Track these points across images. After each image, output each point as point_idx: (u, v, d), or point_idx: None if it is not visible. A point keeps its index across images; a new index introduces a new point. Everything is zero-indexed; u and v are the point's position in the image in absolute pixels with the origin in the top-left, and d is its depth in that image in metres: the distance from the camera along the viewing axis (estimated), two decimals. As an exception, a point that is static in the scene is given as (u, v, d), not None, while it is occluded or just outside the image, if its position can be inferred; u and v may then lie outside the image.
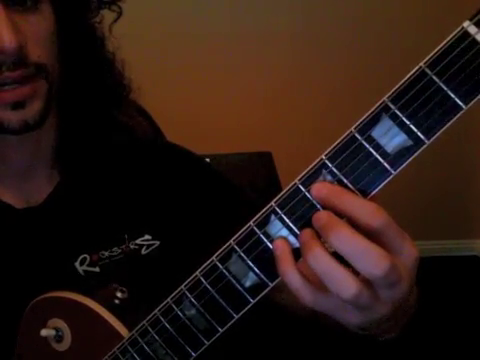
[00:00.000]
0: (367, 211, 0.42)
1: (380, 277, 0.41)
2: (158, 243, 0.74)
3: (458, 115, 0.40)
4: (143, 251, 0.73)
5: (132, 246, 0.73)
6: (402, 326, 0.54)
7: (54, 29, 0.62)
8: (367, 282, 0.43)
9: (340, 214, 0.43)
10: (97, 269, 0.71)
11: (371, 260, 0.41)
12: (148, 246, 0.74)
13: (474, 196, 2.45)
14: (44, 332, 0.63)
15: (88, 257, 0.71)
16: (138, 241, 0.73)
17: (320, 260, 0.42)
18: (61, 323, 0.63)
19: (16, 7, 0.57)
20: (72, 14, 0.65)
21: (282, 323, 0.84)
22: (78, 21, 0.66)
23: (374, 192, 0.44)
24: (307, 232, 0.44)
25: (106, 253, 0.72)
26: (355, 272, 0.42)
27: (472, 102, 0.40)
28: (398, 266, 0.42)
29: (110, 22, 0.71)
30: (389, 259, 0.41)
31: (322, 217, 0.43)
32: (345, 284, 0.42)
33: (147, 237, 0.74)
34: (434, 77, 0.40)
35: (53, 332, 0.63)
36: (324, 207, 0.44)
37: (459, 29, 0.39)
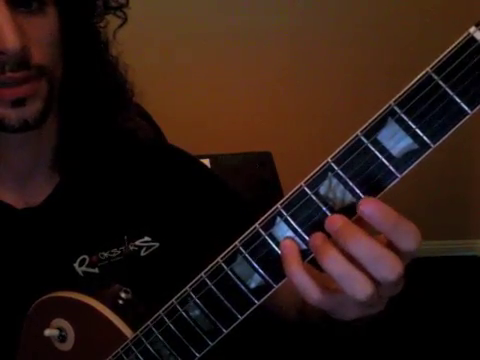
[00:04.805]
0: (379, 214, 0.42)
1: (393, 282, 0.42)
2: (157, 245, 0.74)
3: (464, 120, 0.40)
4: (142, 252, 0.74)
5: (131, 247, 0.73)
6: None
7: (58, 32, 0.62)
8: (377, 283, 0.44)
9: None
10: (96, 270, 0.71)
11: (387, 266, 0.42)
12: (147, 248, 0.74)
13: (474, 196, 2.45)
14: (47, 332, 0.63)
15: (87, 258, 0.71)
16: (137, 242, 0.73)
17: (337, 263, 0.43)
18: (65, 323, 0.63)
19: (21, 9, 0.57)
20: (77, 17, 0.65)
21: (272, 326, 0.84)
22: (83, 24, 0.66)
23: (379, 195, 0.44)
24: (319, 236, 0.44)
25: (105, 254, 0.72)
26: None
27: (478, 107, 0.40)
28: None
29: (114, 26, 0.71)
30: (402, 265, 0.42)
31: (337, 221, 0.43)
32: (362, 286, 0.42)
33: (146, 239, 0.74)
34: (440, 82, 0.40)
35: (57, 332, 0.63)
36: (332, 210, 0.44)
37: (465, 35, 0.39)
